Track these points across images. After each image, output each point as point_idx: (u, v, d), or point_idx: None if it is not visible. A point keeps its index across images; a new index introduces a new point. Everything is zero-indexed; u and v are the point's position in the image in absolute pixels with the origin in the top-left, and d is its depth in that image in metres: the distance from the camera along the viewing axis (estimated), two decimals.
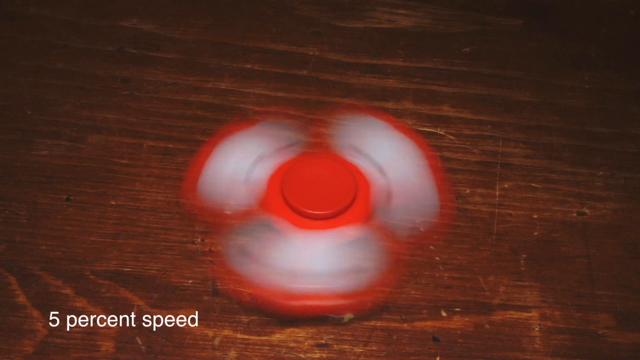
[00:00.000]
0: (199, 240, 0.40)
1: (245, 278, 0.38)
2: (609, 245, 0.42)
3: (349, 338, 0.37)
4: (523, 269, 0.40)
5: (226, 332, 0.37)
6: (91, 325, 0.37)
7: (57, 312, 0.37)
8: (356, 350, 0.37)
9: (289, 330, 0.38)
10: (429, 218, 0.41)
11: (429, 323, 0.38)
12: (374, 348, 0.37)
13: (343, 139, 0.44)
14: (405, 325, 0.38)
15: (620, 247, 0.42)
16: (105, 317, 0.37)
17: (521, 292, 0.40)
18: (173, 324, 0.37)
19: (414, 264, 0.40)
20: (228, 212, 0.41)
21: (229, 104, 0.47)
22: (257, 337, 0.37)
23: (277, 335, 0.37)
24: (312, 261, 0.39)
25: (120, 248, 0.40)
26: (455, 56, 0.51)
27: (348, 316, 0.38)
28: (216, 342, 0.37)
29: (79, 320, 0.37)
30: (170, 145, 0.45)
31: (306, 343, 0.37)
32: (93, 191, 0.42)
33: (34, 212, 0.41)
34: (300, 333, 0.37)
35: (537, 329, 0.38)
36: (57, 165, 0.43)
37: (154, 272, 0.39)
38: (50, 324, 0.37)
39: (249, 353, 0.37)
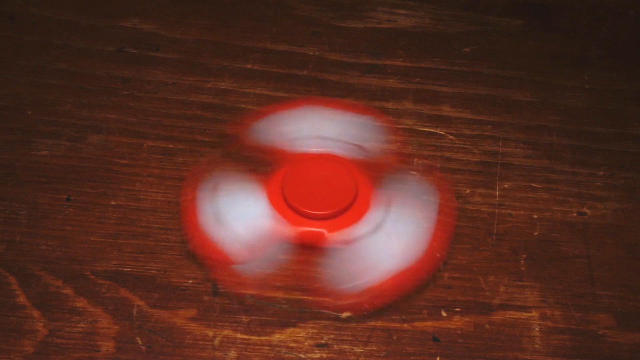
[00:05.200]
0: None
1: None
2: (609, 245, 0.42)
3: (349, 338, 0.37)
4: (523, 269, 0.40)
5: (226, 332, 0.37)
6: (91, 325, 0.37)
7: (57, 312, 0.37)
8: (356, 350, 0.37)
9: (289, 330, 0.38)
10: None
11: (429, 323, 0.38)
12: (374, 348, 0.37)
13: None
14: (405, 325, 0.38)
15: (620, 247, 0.42)
16: (105, 317, 0.37)
17: (521, 292, 0.40)
18: (173, 324, 0.37)
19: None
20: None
21: (229, 104, 0.47)
22: (257, 337, 0.37)
23: (277, 335, 0.37)
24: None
25: (120, 248, 0.40)
26: (455, 56, 0.51)
27: (346, 314, 0.38)
28: (216, 342, 0.37)
29: (79, 321, 0.37)
30: (170, 145, 0.45)
31: (306, 343, 0.37)
32: (93, 191, 0.42)
33: (34, 212, 0.41)
34: (300, 333, 0.38)
35: (537, 329, 0.38)
36: (57, 165, 0.43)
37: (154, 272, 0.39)
38: (50, 323, 0.37)
39: (249, 353, 0.37)
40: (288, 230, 0.39)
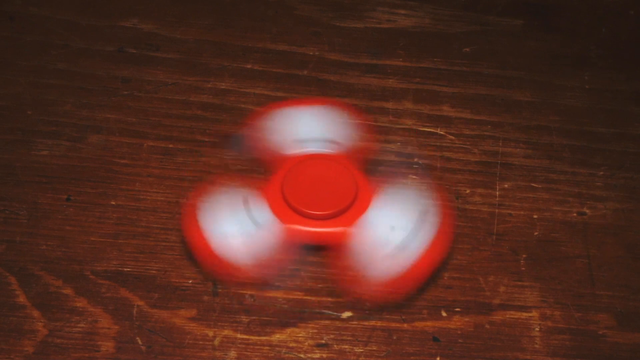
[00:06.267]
0: None
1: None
2: (609, 245, 0.42)
3: (349, 338, 0.37)
4: (523, 269, 0.40)
5: (226, 332, 0.37)
6: (91, 325, 0.37)
7: (57, 312, 0.37)
8: (356, 350, 0.37)
9: (289, 330, 0.38)
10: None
11: (429, 323, 0.38)
12: (374, 348, 0.37)
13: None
14: (405, 325, 0.38)
15: (620, 247, 0.42)
16: (105, 317, 0.37)
17: (521, 292, 0.40)
18: (173, 324, 0.37)
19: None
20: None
21: (229, 104, 0.47)
22: (257, 337, 0.37)
23: (277, 335, 0.37)
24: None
25: (120, 248, 0.40)
26: (455, 56, 0.51)
27: (346, 314, 0.38)
28: (216, 342, 0.37)
29: (79, 321, 0.37)
30: (170, 145, 0.45)
31: (306, 343, 0.37)
32: (93, 191, 0.42)
33: (34, 212, 0.41)
34: (300, 333, 0.38)
35: (537, 329, 0.38)
36: (57, 165, 0.43)
37: (154, 272, 0.39)
38: (50, 323, 0.37)
39: (249, 353, 0.37)
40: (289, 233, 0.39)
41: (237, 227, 0.37)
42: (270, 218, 0.38)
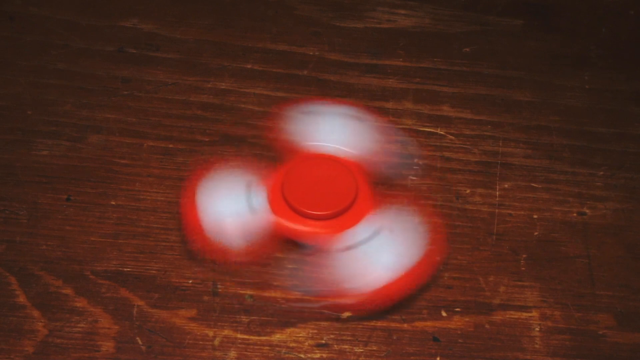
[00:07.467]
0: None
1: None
2: (609, 245, 0.42)
3: (349, 338, 0.37)
4: (523, 269, 0.41)
5: (226, 332, 0.37)
6: (91, 325, 0.37)
7: (57, 312, 0.37)
8: (356, 350, 0.37)
9: (289, 330, 0.38)
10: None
11: (429, 323, 0.38)
12: (374, 348, 0.37)
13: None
14: (405, 325, 0.38)
15: (620, 247, 0.42)
16: (105, 317, 0.37)
17: (521, 292, 0.40)
18: (173, 324, 0.37)
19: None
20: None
21: (229, 104, 0.47)
22: (257, 337, 0.37)
23: (277, 335, 0.37)
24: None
25: (120, 248, 0.40)
26: (455, 56, 0.51)
27: (346, 314, 0.38)
28: (216, 342, 0.37)
29: (79, 321, 0.37)
30: (170, 145, 0.45)
31: (306, 343, 0.37)
32: (93, 191, 0.42)
33: (34, 212, 0.41)
34: (300, 333, 0.38)
35: (537, 329, 0.38)
36: (57, 165, 0.43)
37: (154, 272, 0.39)
38: (50, 324, 0.37)
39: (249, 353, 0.37)
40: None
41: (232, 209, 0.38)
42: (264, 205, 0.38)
